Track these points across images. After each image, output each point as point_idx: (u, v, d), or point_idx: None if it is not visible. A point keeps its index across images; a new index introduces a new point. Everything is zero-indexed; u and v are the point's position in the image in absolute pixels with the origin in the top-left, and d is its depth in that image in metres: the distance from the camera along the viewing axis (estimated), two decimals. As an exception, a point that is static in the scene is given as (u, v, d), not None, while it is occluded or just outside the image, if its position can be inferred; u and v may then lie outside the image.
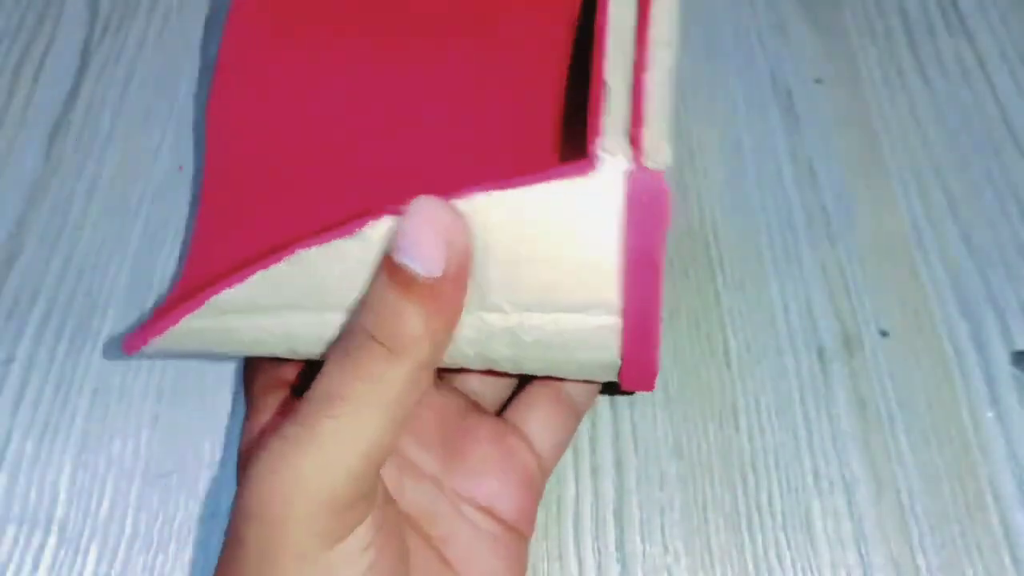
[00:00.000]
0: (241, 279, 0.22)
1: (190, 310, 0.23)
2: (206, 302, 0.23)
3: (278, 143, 0.30)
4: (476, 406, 0.28)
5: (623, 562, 0.29)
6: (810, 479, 0.30)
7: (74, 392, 0.32)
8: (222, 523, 0.29)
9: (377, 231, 0.21)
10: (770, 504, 0.30)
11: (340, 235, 0.21)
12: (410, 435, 0.26)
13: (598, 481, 0.30)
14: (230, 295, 0.23)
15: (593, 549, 0.29)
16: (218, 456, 0.31)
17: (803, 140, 0.38)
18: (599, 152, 0.21)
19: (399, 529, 0.23)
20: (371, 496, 0.22)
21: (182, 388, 0.32)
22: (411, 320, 0.20)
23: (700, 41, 0.41)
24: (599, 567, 0.29)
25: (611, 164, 0.21)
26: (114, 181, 0.36)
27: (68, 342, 0.33)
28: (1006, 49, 0.40)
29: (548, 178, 0.21)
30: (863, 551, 0.29)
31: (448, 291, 0.21)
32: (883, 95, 0.39)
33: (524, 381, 0.29)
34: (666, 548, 0.29)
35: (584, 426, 0.31)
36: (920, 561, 0.29)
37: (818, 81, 0.39)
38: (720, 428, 0.31)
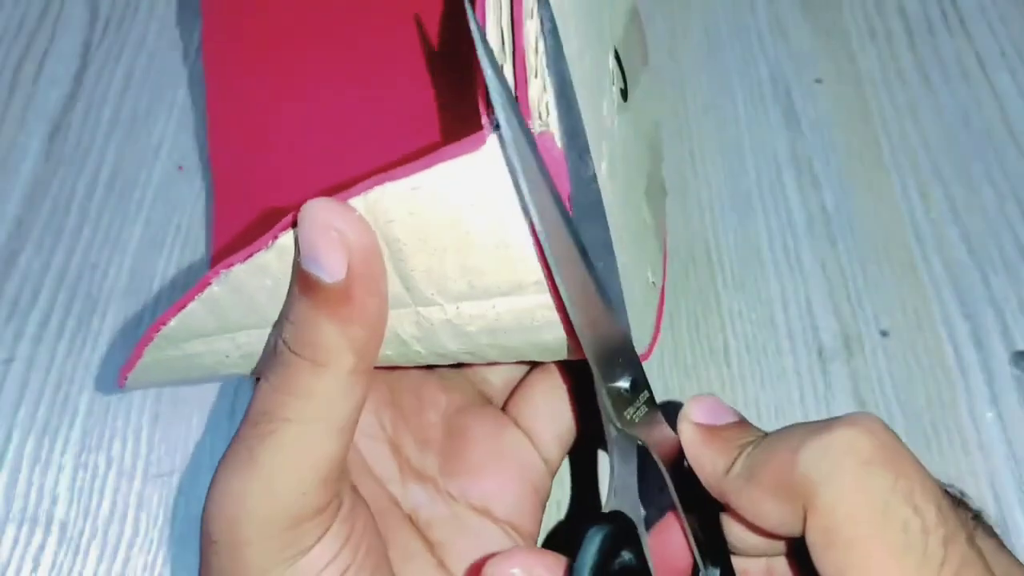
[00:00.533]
0: (181, 307, 0.22)
1: (146, 344, 0.23)
2: (156, 334, 0.22)
3: (273, 151, 0.30)
4: (482, 397, 0.28)
5: (623, 562, 0.29)
6: (810, 479, 0.30)
7: (74, 392, 0.32)
8: (222, 523, 0.29)
9: (289, 239, 0.20)
10: (770, 504, 0.29)
11: (258, 248, 0.20)
12: (411, 436, 0.26)
13: (598, 481, 0.30)
14: (176, 324, 0.22)
15: (593, 549, 0.29)
16: (218, 456, 0.30)
17: (803, 140, 0.38)
18: (487, 123, 0.19)
19: (374, 538, 0.23)
20: (329, 508, 0.21)
21: (182, 388, 0.32)
22: (327, 329, 0.20)
23: (700, 41, 0.41)
24: (599, 567, 0.28)
25: (497, 135, 0.19)
26: (114, 181, 0.36)
27: (68, 342, 0.33)
28: (1006, 49, 0.40)
29: (438, 160, 0.19)
30: (863, 551, 0.29)
31: (359, 293, 0.20)
32: (883, 95, 0.39)
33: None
34: (666, 548, 0.29)
35: (584, 426, 0.31)
36: (920, 561, 0.29)
37: (818, 81, 0.39)
38: (720, 428, 0.31)
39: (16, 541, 0.29)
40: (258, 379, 0.23)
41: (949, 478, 0.30)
